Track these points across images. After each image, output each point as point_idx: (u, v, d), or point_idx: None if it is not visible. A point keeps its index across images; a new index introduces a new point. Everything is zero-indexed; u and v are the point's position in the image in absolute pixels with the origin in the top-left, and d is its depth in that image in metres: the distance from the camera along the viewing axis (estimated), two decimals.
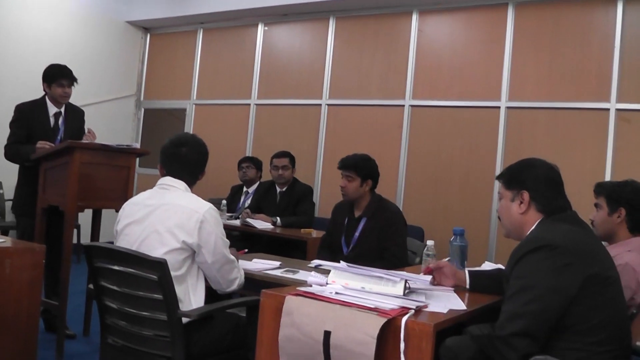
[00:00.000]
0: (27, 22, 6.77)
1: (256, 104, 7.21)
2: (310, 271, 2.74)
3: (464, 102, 5.83)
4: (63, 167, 3.73)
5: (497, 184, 2.53)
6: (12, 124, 4.11)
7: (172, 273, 2.36)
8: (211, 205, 2.60)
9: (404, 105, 6.14)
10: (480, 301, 2.35)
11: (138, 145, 4.20)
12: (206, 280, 2.62)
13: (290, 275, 2.89)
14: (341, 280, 2.19)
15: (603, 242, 2.38)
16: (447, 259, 2.86)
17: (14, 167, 4.18)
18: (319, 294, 2.07)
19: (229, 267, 2.62)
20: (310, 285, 2.23)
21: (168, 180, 2.66)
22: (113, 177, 3.91)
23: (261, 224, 4.94)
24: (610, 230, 2.83)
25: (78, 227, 6.27)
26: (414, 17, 6.19)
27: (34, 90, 4.31)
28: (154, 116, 8.24)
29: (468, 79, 5.84)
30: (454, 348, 2.05)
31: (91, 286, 2.65)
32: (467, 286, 2.52)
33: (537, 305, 1.89)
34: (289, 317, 2.02)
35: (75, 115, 4.31)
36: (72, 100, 4.27)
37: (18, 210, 4.16)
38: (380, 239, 3.71)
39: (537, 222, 2.17)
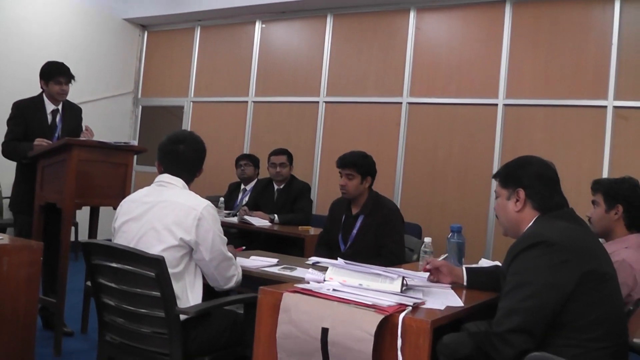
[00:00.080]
0: (25, 19, 6.75)
1: (254, 102, 7.20)
2: (308, 268, 2.75)
3: (461, 99, 5.83)
4: (60, 164, 3.72)
5: (494, 182, 2.53)
6: (10, 121, 4.10)
7: (170, 270, 2.37)
8: (209, 202, 2.60)
9: (401, 103, 6.15)
10: (477, 298, 2.36)
11: (136, 143, 4.20)
12: (204, 278, 2.62)
13: (287, 273, 2.89)
14: (339, 277, 2.20)
15: (600, 239, 2.38)
16: (444, 255, 2.87)
17: (12, 165, 4.18)
18: (316, 291, 2.07)
19: (227, 265, 2.62)
20: (308, 282, 2.23)
21: (166, 177, 2.66)
22: (111, 174, 3.91)
23: (259, 221, 4.94)
24: (608, 227, 2.84)
25: (76, 225, 6.26)
26: (412, 14, 6.19)
27: (32, 87, 4.30)
28: (152, 114, 8.23)
29: (465, 77, 5.84)
30: (451, 345, 2.05)
31: (89, 283, 2.65)
32: (465, 283, 2.53)
33: (534, 301, 1.90)
34: (287, 314, 2.02)
35: (72, 113, 4.30)
36: (70, 97, 4.27)
37: (16, 207, 4.16)
38: (378, 236, 3.72)
39: (533, 220, 2.17)
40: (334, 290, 2.08)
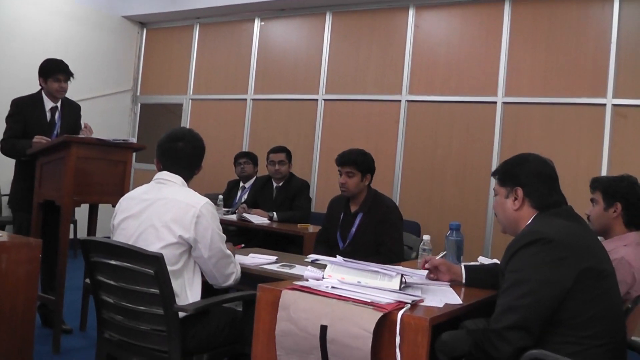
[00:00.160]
0: (23, 17, 6.74)
1: (253, 99, 7.20)
2: (307, 266, 2.75)
3: (460, 97, 5.83)
4: (59, 161, 3.72)
5: (493, 179, 2.54)
6: (8, 119, 4.10)
7: (169, 268, 2.37)
8: (208, 200, 2.60)
9: (400, 100, 6.14)
10: (476, 296, 2.36)
11: (134, 140, 4.19)
12: (203, 275, 2.62)
13: (286, 270, 2.89)
14: (337, 274, 2.20)
15: (599, 237, 2.38)
16: (443, 253, 2.87)
17: (10, 162, 4.18)
18: (315, 288, 2.08)
19: (226, 262, 2.62)
20: (307, 280, 2.23)
21: (165, 175, 2.66)
22: (109, 172, 3.91)
23: (258, 218, 4.95)
24: (606, 225, 2.84)
25: (75, 222, 6.28)
26: (411, 12, 6.18)
27: (30, 84, 4.30)
28: (151, 111, 8.22)
29: (464, 74, 5.84)
30: (449, 342, 2.06)
31: (88, 281, 2.65)
32: (463, 281, 2.53)
33: (532, 298, 1.90)
34: (286, 311, 2.02)
35: (71, 110, 4.30)
36: (68, 95, 4.26)
37: (14, 205, 4.16)
38: (377, 234, 3.72)
39: (532, 218, 2.17)
40: (332, 287, 2.09)
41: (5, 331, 2.89)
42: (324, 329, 1.92)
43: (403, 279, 2.21)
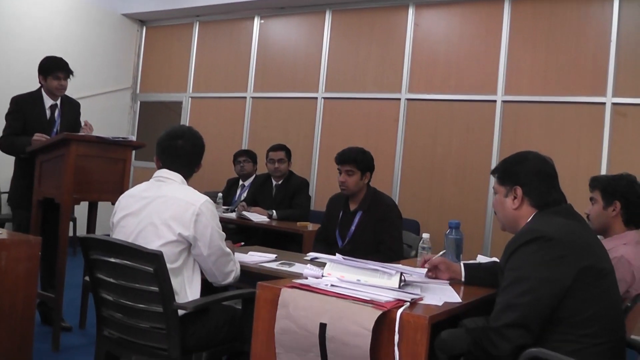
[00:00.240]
0: (23, 15, 6.74)
1: (252, 97, 7.20)
2: (306, 264, 2.75)
3: (460, 95, 5.83)
4: (59, 159, 3.72)
5: (492, 178, 2.53)
6: (8, 116, 4.09)
7: (168, 265, 2.37)
8: (207, 197, 2.60)
9: (400, 99, 6.14)
10: (475, 294, 2.36)
11: (134, 138, 4.19)
12: (202, 273, 2.62)
13: (286, 268, 2.89)
14: (337, 272, 2.20)
15: (599, 236, 2.38)
16: (442, 252, 2.87)
17: (10, 160, 4.18)
18: (314, 286, 2.08)
19: (225, 260, 2.62)
20: (306, 278, 2.24)
21: (164, 172, 2.66)
22: (109, 169, 3.91)
23: (257, 217, 4.95)
24: (606, 224, 2.84)
25: (74, 220, 6.27)
26: (410, 10, 6.18)
27: (30, 82, 4.30)
28: (150, 109, 8.21)
29: (464, 73, 5.84)
30: (448, 340, 2.06)
31: (87, 278, 2.65)
32: (463, 279, 2.53)
33: (531, 296, 1.90)
34: (285, 309, 2.03)
35: (71, 108, 4.30)
36: (68, 92, 4.26)
37: (14, 202, 4.16)
38: (376, 232, 3.72)
39: (531, 216, 2.17)
40: (332, 285, 2.09)
41: (4, 329, 2.90)
42: (323, 326, 1.92)
43: (402, 277, 2.21)
